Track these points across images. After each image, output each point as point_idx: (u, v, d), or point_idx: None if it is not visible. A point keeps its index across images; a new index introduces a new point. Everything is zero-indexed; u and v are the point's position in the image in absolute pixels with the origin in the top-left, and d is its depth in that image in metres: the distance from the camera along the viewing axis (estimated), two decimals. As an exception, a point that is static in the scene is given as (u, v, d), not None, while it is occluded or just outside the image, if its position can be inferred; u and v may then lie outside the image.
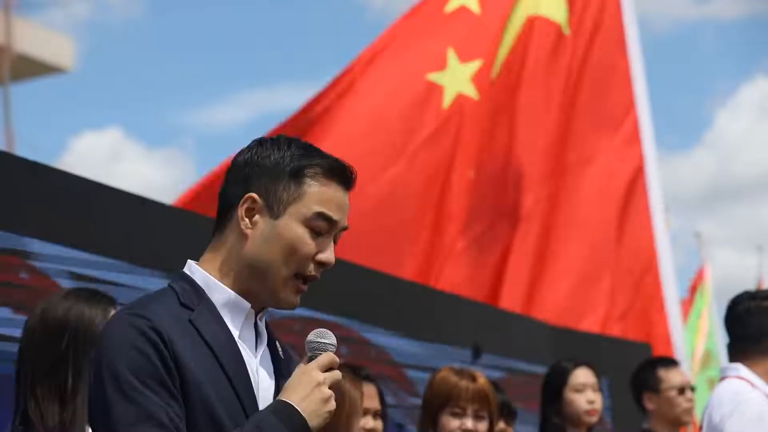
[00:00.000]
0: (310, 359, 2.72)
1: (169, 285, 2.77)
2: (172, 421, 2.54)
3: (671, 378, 6.58)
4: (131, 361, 2.56)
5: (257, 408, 2.67)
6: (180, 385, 2.58)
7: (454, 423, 5.00)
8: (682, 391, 6.54)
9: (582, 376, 6.09)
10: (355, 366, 4.84)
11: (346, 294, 5.82)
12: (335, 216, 2.76)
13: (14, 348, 3.61)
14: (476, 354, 6.45)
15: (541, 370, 6.81)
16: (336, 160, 2.78)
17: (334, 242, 2.78)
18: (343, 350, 5.59)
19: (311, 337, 2.75)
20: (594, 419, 6.08)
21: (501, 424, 5.42)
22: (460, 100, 8.23)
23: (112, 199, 4.56)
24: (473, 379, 5.07)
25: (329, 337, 2.75)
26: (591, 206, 8.76)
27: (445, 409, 5.02)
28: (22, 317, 3.86)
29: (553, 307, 8.15)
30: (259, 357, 2.77)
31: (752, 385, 4.95)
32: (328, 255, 2.75)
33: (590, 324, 8.34)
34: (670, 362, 6.86)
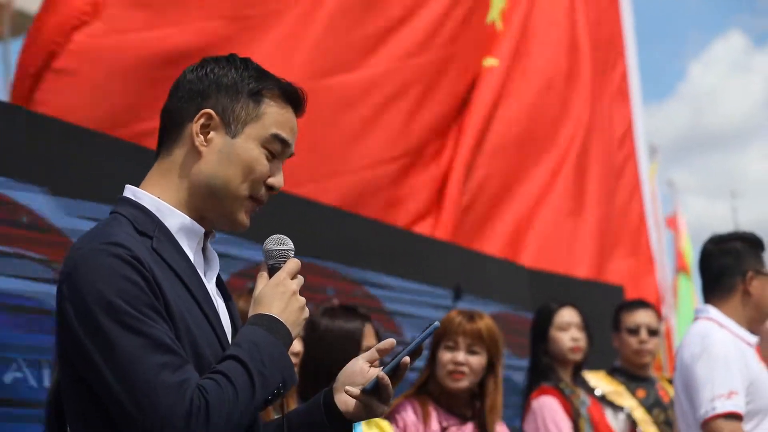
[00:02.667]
0: (272, 267, 2.66)
1: (115, 212, 2.63)
2: (177, 346, 2.46)
3: (627, 319, 6.79)
4: (123, 291, 2.42)
5: (224, 332, 2.62)
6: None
7: (447, 356, 5.13)
8: (635, 332, 6.71)
9: (566, 315, 6.24)
10: (352, 306, 4.91)
11: (333, 238, 5.87)
12: (290, 140, 2.70)
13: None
14: (457, 295, 6.53)
15: (519, 311, 6.89)
16: (291, 85, 2.71)
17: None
18: (331, 291, 5.66)
19: (271, 245, 2.69)
20: (578, 356, 6.21)
21: None
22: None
23: (111, 148, 4.57)
24: (471, 317, 5.20)
25: (288, 243, 2.71)
26: (587, 154, 8.79)
27: (441, 344, 5.16)
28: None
29: (536, 250, 8.20)
30: (213, 281, 2.71)
31: (720, 325, 5.06)
32: (279, 179, 2.68)
33: (573, 267, 8.40)
34: (634, 304, 7.03)
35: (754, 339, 5.11)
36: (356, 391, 2.69)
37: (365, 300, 5.87)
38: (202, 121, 2.62)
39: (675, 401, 5.22)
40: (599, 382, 6.61)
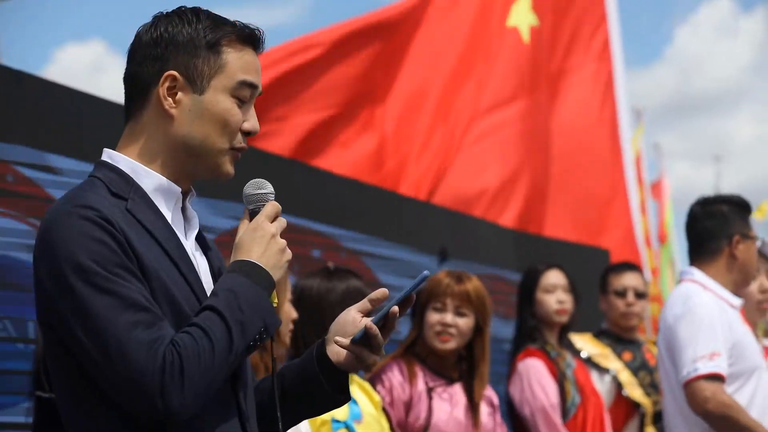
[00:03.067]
0: (252, 212, 2.67)
1: (91, 176, 2.64)
2: (151, 304, 2.46)
3: (614, 281, 6.84)
4: (94, 252, 2.44)
5: (203, 289, 2.61)
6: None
7: (435, 317, 5.19)
8: (622, 294, 6.74)
9: (552, 277, 6.25)
10: (340, 267, 4.94)
11: (321, 200, 5.89)
12: (256, 81, 2.70)
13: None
14: (443, 258, 6.54)
15: (504, 273, 6.92)
16: (246, 25, 2.69)
17: None
18: (317, 253, 5.67)
19: (249, 190, 2.69)
20: (564, 318, 6.23)
21: None
22: (533, 31, 8.41)
23: (96, 109, 4.56)
24: (460, 279, 5.25)
25: (267, 186, 2.71)
26: (566, 116, 8.80)
27: (428, 305, 5.21)
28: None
29: (520, 212, 8.21)
30: (192, 240, 2.71)
31: (704, 287, 5.12)
32: (253, 123, 2.68)
33: (557, 230, 8.42)
34: (622, 267, 7.06)
35: (738, 301, 5.18)
36: (346, 341, 2.71)
37: (350, 262, 5.86)
38: (167, 84, 2.60)
39: (658, 362, 5.30)
40: (585, 344, 6.67)
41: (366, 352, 2.72)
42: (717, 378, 4.86)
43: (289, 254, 2.63)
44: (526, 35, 8.36)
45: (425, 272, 2.70)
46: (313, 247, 5.70)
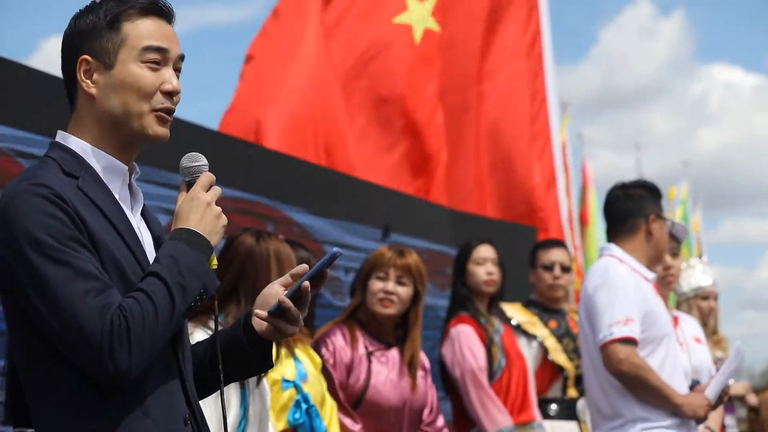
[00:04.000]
0: (189, 183, 2.76)
1: (46, 155, 2.70)
2: (101, 273, 2.54)
3: (542, 256, 7.05)
4: (47, 227, 2.51)
5: (147, 261, 2.68)
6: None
7: (378, 285, 5.45)
8: (549, 268, 6.99)
9: (483, 251, 6.51)
10: (292, 240, 5.07)
11: (271, 178, 6.04)
12: (163, 44, 2.73)
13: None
14: (386, 233, 6.78)
15: (441, 248, 7.19)
16: None
17: (178, 72, 2.78)
18: (270, 227, 5.77)
19: (185, 162, 2.78)
20: (491, 289, 6.48)
21: None
22: (428, 34, 8.55)
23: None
24: (401, 253, 5.51)
25: (201, 159, 2.79)
26: (500, 109, 9.13)
27: (372, 275, 5.48)
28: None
29: (458, 193, 8.51)
30: (138, 215, 2.78)
31: (621, 261, 5.36)
32: (171, 83, 2.73)
33: (489, 210, 8.76)
34: (550, 243, 7.33)
35: (652, 275, 5.42)
36: (264, 313, 2.81)
37: (301, 238, 6.00)
38: (82, 68, 2.71)
39: (579, 329, 5.51)
40: (515, 313, 6.91)
41: (283, 324, 2.81)
42: (630, 342, 5.06)
43: (224, 220, 2.73)
44: (418, 36, 8.54)
45: (335, 249, 2.78)
46: (267, 221, 5.83)
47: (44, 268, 2.50)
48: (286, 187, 6.15)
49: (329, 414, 5.05)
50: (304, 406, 4.80)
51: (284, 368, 4.84)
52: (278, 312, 2.80)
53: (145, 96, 2.71)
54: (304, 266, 2.84)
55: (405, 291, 5.48)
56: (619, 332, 5.10)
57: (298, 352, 4.97)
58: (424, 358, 5.70)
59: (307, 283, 2.78)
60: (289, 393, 4.79)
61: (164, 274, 2.58)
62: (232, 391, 4.34)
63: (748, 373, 34.13)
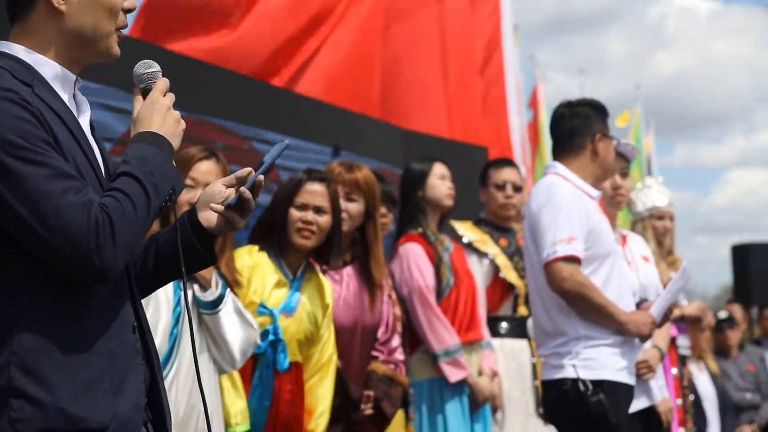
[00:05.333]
0: (144, 90, 2.80)
1: None
2: (76, 173, 2.57)
3: (494, 175, 7.01)
4: (19, 129, 2.50)
5: (101, 169, 2.71)
6: None
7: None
8: (501, 187, 6.95)
9: (442, 168, 6.47)
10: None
11: (220, 97, 5.96)
12: None
13: None
14: (336, 152, 6.68)
15: (392, 168, 7.09)
16: None
17: None
18: (219, 145, 5.69)
19: (140, 69, 2.81)
20: (451, 203, 6.46)
21: (382, 209, 5.80)
22: None
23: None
24: (350, 168, 5.46)
25: (155, 65, 2.82)
26: (455, 30, 8.98)
27: None
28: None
29: (407, 112, 8.42)
30: (86, 123, 2.77)
31: (566, 179, 5.29)
32: (132, 0, 2.79)
33: (440, 129, 8.66)
34: (502, 162, 7.25)
35: (596, 193, 5.34)
36: (220, 207, 2.86)
37: (251, 155, 5.98)
38: None
39: (524, 247, 5.45)
40: (466, 231, 6.88)
41: (237, 217, 2.88)
42: (574, 260, 5.01)
43: (183, 124, 2.78)
44: None
45: (284, 141, 2.92)
46: (216, 140, 5.75)
47: (22, 170, 2.48)
48: (234, 105, 6.07)
49: (319, 358, 5.02)
50: (270, 337, 4.79)
51: (271, 295, 4.85)
52: (235, 205, 2.86)
53: (114, 15, 2.73)
54: (248, 169, 2.88)
55: (354, 207, 5.41)
56: (563, 250, 5.05)
57: (310, 286, 4.99)
58: (386, 276, 5.67)
59: (261, 177, 2.85)
60: (262, 320, 4.79)
61: (137, 174, 2.61)
62: (162, 312, 4.29)
63: (700, 297, 34.39)
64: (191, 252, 2.90)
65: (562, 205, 5.14)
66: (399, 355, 5.64)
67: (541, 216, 5.16)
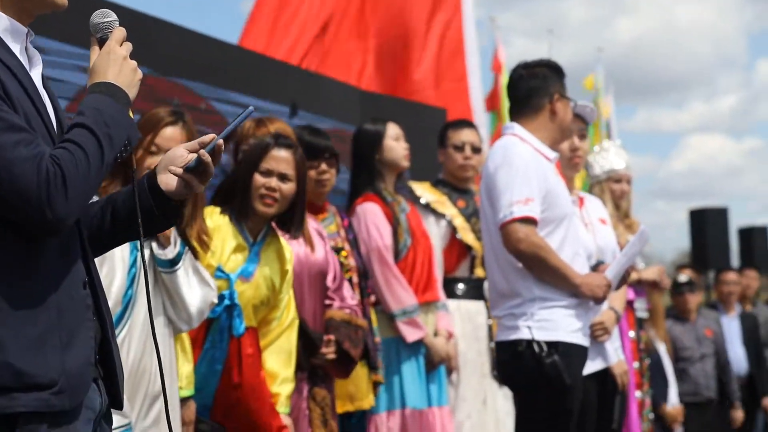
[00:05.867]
0: (101, 39, 2.77)
1: None
2: (27, 126, 2.54)
3: (453, 136, 6.94)
4: None
5: (52, 124, 2.68)
6: None
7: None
8: (460, 148, 6.89)
9: (396, 128, 6.40)
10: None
11: (178, 55, 5.91)
12: None
13: None
14: (293, 111, 6.62)
15: (349, 128, 7.03)
16: None
17: None
18: (177, 103, 5.64)
19: (96, 19, 2.77)
20: (407, 164, 6.40)
21: (323, 166, 5.70)
22: None
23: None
24: (262, 122, 5.37)
25: (112, 15, 2.78)
26: None
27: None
28: None
29: (369, 73, 8.35)
30: (37, 77, 2.74)
31: (523, 140, 5.24)
32: None
33: (399, 90, 8.60)
34: (460, 123, 7.19)
35: (553, 155, 5.31)
36: (179, 169, 2.84)
37: (208, 115, 5.95)
38: None
39: (480, 208, 5.41)
40: (424, 192, 6.83)
41: (196, 180, 2.85)
42: (530, 221, 4.98)
43: (140, 74, 2.75)
44: None
45: (249, 107, 2.89)
46: (174, 98, 5.71)
47: None
48: (192, 64, 6.00)
49: (281, 323, 4.98)
50: (226, 302, 4.75)
51: (229, 259, 4.81)
52: (194, 168, 2.84)
53: None
54: (212, 135, 2.86)
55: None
56: (519, 212, 5.01)
57: (270, 251, 4.94)
58: (319, 225, 5.60)
59: (221, 141, 2.85)
60: (218, 284, 4.74)
61: (91, 125, 2.58)
62: (117, 272, 4.23)
63: (658, 261, 34.54)
64: (149, 215, 2.87)
65: (519, 167, 5.09)
66: (352, 300, 5.59)
67: (498, 177, 5.12)
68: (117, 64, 2.70)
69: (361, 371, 5.68)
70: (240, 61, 6.55)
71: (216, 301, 4.60)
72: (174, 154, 2.89)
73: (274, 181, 4.92)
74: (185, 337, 4.62)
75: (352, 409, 5.84)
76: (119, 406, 2.83)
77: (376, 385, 5.91)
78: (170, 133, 4.54)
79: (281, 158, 4.94)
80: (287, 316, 5.01)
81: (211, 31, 6.81)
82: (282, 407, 4.91)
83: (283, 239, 5.07)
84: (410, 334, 6.11)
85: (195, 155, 2.85)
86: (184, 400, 4.57)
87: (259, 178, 4.93)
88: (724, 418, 9.80)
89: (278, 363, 4.94)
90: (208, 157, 2.82)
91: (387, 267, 6.08)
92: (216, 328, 4.78)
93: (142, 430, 4.29)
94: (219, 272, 4.77)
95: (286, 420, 4.89)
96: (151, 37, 5.65)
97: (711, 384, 9.54)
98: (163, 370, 2.92)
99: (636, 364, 7.07)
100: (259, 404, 4.81)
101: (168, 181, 2.86)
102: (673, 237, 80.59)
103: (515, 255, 5.05)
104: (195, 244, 4.52)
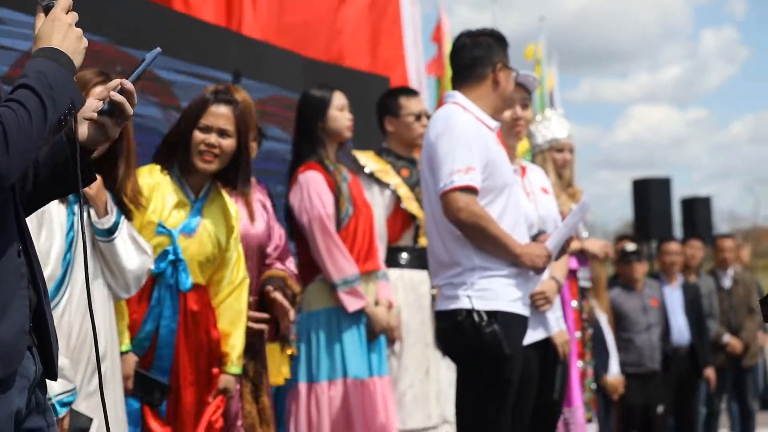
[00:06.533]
0: (47, 7, 2.77)
1: None
2: None
3: (410, 105, 6.87)
4: None
5: None
6: None
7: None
8: (418, 117, 6.83)
9: (342, 98, 6.31)
10: None
11: (119, 20, 5.84)
12: None
13: None
14: (236, 79, 6.53)
15: (291, 95, 6.95)
16: None
17: None
18: (120, 69, 5.53)
19: None
20: (350, 134, 6.33)
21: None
22: None
23: None
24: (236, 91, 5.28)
25: None
26: None
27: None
28: None
29: (308, 40, 8.27)
30: None
31: (465, 108, 5.19)
32: None
33: (341, 57, 8.53)
34: (411, 92, 7.14)
35: (495, 124, 5.27)
36: (93, 114, 2.85)
37: (152, 82, 5.91)
38: None
39: (421, 177, 5.38)
40: (368, 161, 6.75)
41: (110, 123, 2.88)
42: (471, 190, 4.95)
43: (85, 42, 2.75)
44: None
45: (157, 49, 2.94)
46: (116, 63, 5.59)
47: None
48: (134, 29, 5.93)
49: (231, 281, 4.94)
50: (170, 257, 4.72)
51: (171, 215, 4.78)
52: (108, 111, 2.87)
53: None
54: (118, 80, 2.88)
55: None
56: (460, 180, 4.97)
57: (213, 208, 4.91)
58: (265, 197, 5.56)
59: (131, 85, 2.87)
60: (159, 240, 4.73)
61: (35, 86, 2.57)
62: (56, 237, 4.16)
63: (602, 231, 34.73)
64: (65, 168, 2.88)
65: (461, 135, 5.05)
66: (292, 266, 5.57)
67: (439, 145, 5.08)
68: (62, 31, 2.71)
69: (273, 348, 5.59)
70: (183, 28, 6.46)
71: (152, 267, 4.56)
72: (87, 104, 2.90)
73: (213, 137, 4.87)
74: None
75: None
76: (53, 377, 2.81)
77: (291, 358, 5.87)
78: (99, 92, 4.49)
79: (220, 114, 4.90)
80: (237, 275, 4.97)
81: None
82: (234, 368, 4.90)
83: (229, 198, 5.03)
84: (351, 304, 6.06)
85: (112, 94, 2.86)
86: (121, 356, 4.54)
87: (198, 135, 4.88)
88: (666, 390, 9.82)
89: (228, 322, 4.92)
90: (118, 96, 2.84)
91: (329, 236, 6.02)
92: (162, 283, 4.74)
93: (87, 394, 4.25)
94: (160, 228, 4.73)
95: (228, 384, 4.88)
96: (95, 4, 5.57)
97: (655, 355, 9.54)
98: (97, 335, 2.91)
99: (578, 334, 7.04)
100: (206, 364, 4.82)
101: (83, 131, 2.88)
102: (616, 207, 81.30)
103: (455, 224, 5.01)
104: (129, 203, 4.49)
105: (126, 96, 2.86)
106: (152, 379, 4.68)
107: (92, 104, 2.88)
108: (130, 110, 2.88)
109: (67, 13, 2.74)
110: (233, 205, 5.03)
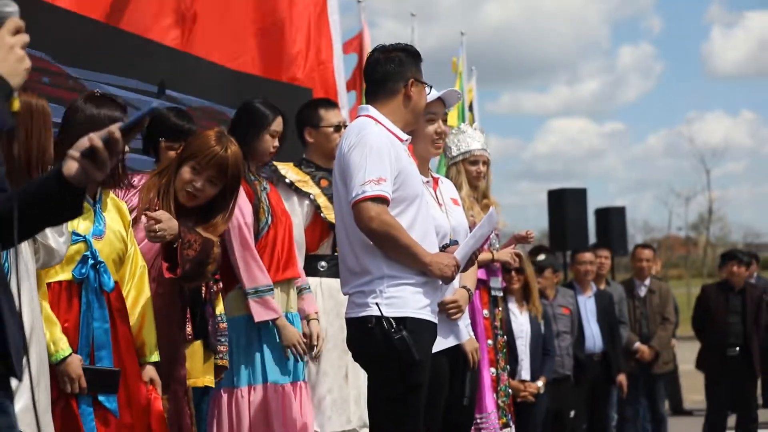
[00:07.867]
0: None
1: None
2: None
3: (329, 117, 6.87)
4: None
5: None
6: None
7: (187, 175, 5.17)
8: (338, 129, 6.82)
9: (280, 125, 6.24)
10: (111, 96, 4.94)
11: (45, 31, 5.82)
12: None
13: None
14: (161, 90, 6.53)
15: (216, 107, 6.96)
16: None
17: None
18: (46, 80, 5.63)
19: None
20: (269, 160, 6.34)
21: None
22: None
23: None
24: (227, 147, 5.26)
25: (10, 5, 2.76)
26: None
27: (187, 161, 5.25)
28: None
29: (231, 52, 8.27)
30: None
31: (377, 121, 5.23)
32: None
33: (263, 70, 8.54)
34: (331, 103, 7.14)
35: (406, 137, 5.31)
36: (76, 153, 2.79)
37: (75, 92, 5.84)
38: None
39: (333, 187, 5.39)
40: (288, 171, 6.76)
41: (91, 167, 2.79)
42: (382, 200, 4.98)
43: (27, 64, 2.72)
44: None
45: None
46: (42, 75, 5.64)
47: None
48: (60, 40, 5.92)
49: (132, 274, 4.97)
50: (90, 261, 4.71)
51: (77, 222, 4.73)
52: (87, 154, 2.79)
53: None
54: (119, 124, 2.83)
55: (214, 190, 5.29)
56: (371, 190, 5.00)
57: (108, 207, 4.90)
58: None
59: (118, 133, 2.80)
60: (77, 247, 4.71)
61: None
62: None
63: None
64: (50, 200, 2.84)
65: (373, 147, 5.08)
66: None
67: (352, 156, 5.10)
68: (1, 53, 2.68)
69: (197, 349, 5.60)
70: (107, 37, 6.47)
71: (68, 231, 4.55)
72: (78, 143, 2.84)
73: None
74: (46, 305, 4.57)
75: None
76: (18, 375, 2.82)
77: (221, 369, 5.84)
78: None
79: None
80: (136, 268, 4.99)
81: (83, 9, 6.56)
82: (153, 356, 4.95)
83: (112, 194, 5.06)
84: (259, 314, 5.99)
85: (93, 136, 2.80)
86: (63, 361, 4.53)
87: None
88: (578, 396, 9.92)
89: (138, 315, 4.95)
90: (97, 142, 2.76)
91: (246, 246, 5.99)
92: (88, 288, 4.72)
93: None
94: (75, 236, 4.70)
95: (152, 373, 4.93)
96: (22, 17, 5.49)
97: (567, 362, 9.63)
98: (39, 336, 2.91)
99: (490, 342, 7.09)
100: (131, 364, 4.84)
101: (70, 167, 2.81)
102: (534, 217, 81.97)
103: (367, 233, 5.03)
104: None
105: (111, 144, 2.79)
106: (101, 370, 4.67)
107: (82, 143, 2.83)
108: (106, 159, 2.79)
109: (15, 35, 2.72)
110: (119, 199, 5.04)
